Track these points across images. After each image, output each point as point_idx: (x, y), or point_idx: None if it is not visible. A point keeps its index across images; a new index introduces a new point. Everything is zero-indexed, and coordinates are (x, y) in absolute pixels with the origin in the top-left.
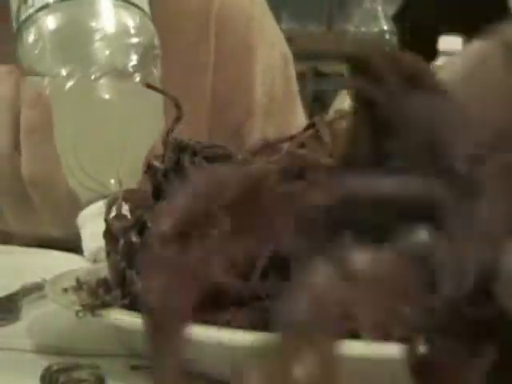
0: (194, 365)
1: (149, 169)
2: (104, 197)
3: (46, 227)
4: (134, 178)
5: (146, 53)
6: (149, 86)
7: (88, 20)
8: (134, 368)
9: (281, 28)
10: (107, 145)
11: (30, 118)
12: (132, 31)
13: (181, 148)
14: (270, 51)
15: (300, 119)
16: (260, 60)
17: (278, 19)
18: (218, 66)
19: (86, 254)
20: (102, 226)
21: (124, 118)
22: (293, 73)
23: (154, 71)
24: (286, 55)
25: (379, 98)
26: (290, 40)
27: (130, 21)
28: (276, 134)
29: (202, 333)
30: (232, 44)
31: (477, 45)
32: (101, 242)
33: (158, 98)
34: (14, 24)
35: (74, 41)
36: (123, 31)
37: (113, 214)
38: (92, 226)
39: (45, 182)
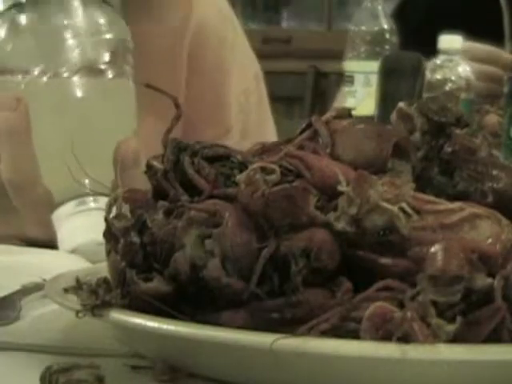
0: (194, 365)
1: (149, 169)
2: (76, 196)
3: (27, 227)
4: (105, 175)
5: (117, 49)
6: (148, 86)
7: (59, 17)
8: (134, 368)
9: (281, 28)
10: (81, 142)
11: (10, 120)
12: (103, 28)
13: (180, 148)
14: (243, 71)
15: (272, 134)
16: (234, 80)
17: (278, 19)
18: (191, 84)
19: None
20: (77, 226)
21: (96, 114)
22: (264, 90)
23: (127, 67)
24: (257, 74)
25: None
26: (289, 40)
27: (101, 17)
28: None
29: (202, 333)
30: (206, 63)
31: None
32: (76, 242)
33: (131, 95)
34: None
35: (46, 38)
36: (94, 28)
37: (113, 213)
38: (67, 225)
39: (23, 183)
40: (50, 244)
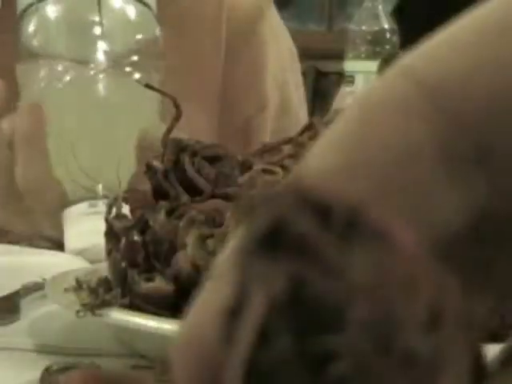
0: None
1: (149, 169)
2: (90, 198)
3: (43, 227)
4: (126, 176)
5: (147, 51)
6: (147, 86)
7: (89, 13)
8: (134, 368)
9: None
10: (102, 142)
11: (25, 126)
12: (134, 28)
13: (180, 148)
14: (280, 46)
15: (304, 114)
16: (271, 54)
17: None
18: (228, 56)
19: (67, 252)
20: (86, 228)
21: (119, 115)
22: (299, 68)
23: (155, 73)
24: (292, 51)
25: (313, 278)
26: None
27: (133, 17)
28: (288, 130)
29: None
30: (243, 35)
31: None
32: (83, 245)
33: (155, 96)
34: (18, 12)
35: (74, 34)
36: (125, 27)
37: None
38: (76, 226)
39: (38, 186)
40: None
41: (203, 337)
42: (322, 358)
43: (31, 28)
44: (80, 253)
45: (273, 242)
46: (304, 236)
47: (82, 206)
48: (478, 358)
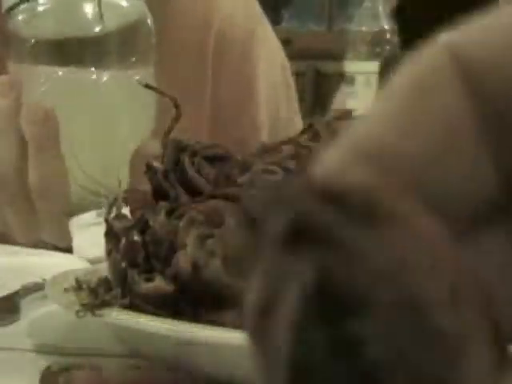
0: (196, 365)
1: (148, 169)
2: (96, 203)
3: (43, 232)
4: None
5: (144, 50)
6: (147, 86)
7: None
8: (134, 368)
9: (281, 28)
10: (104, 145)
11: (39, 136)
12: (125, 11)
13: (180, 148)
14: (272, 65)
15: (299, 121)
16: (262, 76)
17: (278, 19)
18: (216, 82)
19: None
20: (94, 238)
21: (121, 114)
22: (291, 81)
23: (151, 69)
24: (284, 65)
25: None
26: (290, 40)
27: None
28: None
29: (204, 334)
30: (232, 60)
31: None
32: (93, 255)
33: (152, 95)
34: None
35: (63, 13)
36: (123, 28)
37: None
38: (85, 235)
39: (52, 193)
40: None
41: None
42: (353, 344)
43: (20, 17)
44: (95, 261)
45: (296, 237)
46: (324, 226)
47: (91, 215)
48: (501, 346)
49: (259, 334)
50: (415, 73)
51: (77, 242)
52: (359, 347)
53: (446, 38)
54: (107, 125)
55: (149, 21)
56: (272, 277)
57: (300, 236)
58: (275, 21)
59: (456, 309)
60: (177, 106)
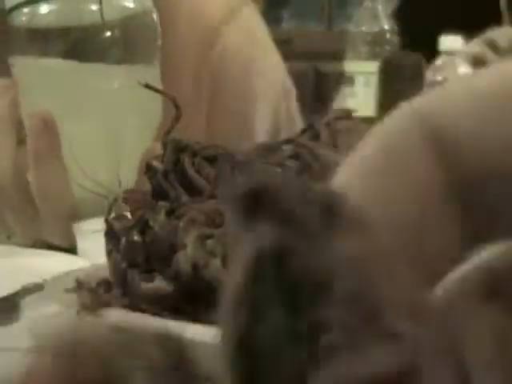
0: (196, 365)
1: (148, 169)
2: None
3: (48, 236)
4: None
5: (149, 47)
6: (147, 87)
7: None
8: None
9: (281, 28)
10: (112, 146)
11: (38, 148)
12: (135, 23)
13: (180, 148)
14: (272, 91)
15: (299, 122)
16: (261, 103)
17: (278, 19)
18: (213, 110)
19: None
20: (99, 245)
21: (132, 111)
22: (295, 107)
23: (157, 69)
24: (287, 91)
25: (299, 247)
26: (290, 40)
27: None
28: None
29: (204, 333)
30: (230, 89)
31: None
32: (99, 260)
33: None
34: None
35: (76, 33)
36: (127, 21)
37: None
38: (90, 241)
39: (54, 197)
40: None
41: None
42: (312, 329)
43: (23, 12)
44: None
45: (257, 204)
46: (291, 201)
47: (96, 222)
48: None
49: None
50: (386, 136)
51: (82, 247)
52: (318, 333)
53: (417, 104)
54: (112, 124)
55: (154, 16)
56: (233, 240)
57: (261, 204)
58: (275, 21)
59: (415, 314)
60: (177, 107)
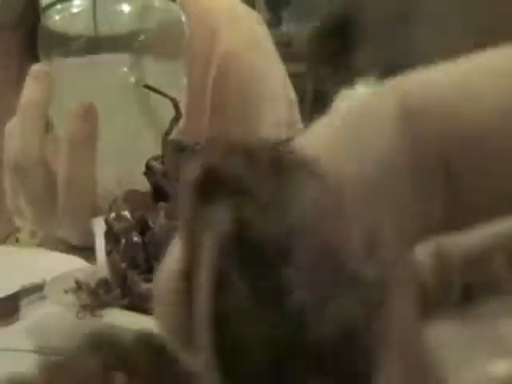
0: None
1: (148, 169)
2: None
3: (64, 231)
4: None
5: (178, 52)
6: (147, 87)
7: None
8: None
9: (280, 30)
10: (128, 146)
11: (76, 135)
12: (157, 11)
13: (180, 148)
14: (275, 100)
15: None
16: (264, 112)
17: (278, 21)
18: (214, 120)
19: (98, 262)
20: None
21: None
22: (297, 117)
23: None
24: (290, 101)
25: (255, 217)
26: (289, 41)
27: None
28: None
29: None
30: (233, 94)
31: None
32: None
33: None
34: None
35: (97, 10)
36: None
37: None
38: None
39: (79, 191)
40: (84, 253)
41: (166, 294)
42: (277, 293)
43: (56, 16)
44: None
45: (210, 186)
46: (236, 177)
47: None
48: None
49: (183, 285)
50: (362, 102)
51: (98, 245)
52: (283, 296)
53: (397, 81)
54: (131, 132)
55: (183, 20)
56: (191, 228)
57: (214, 185)
58: (275, 23)
59: (373, 258)
60: (176, 107)
